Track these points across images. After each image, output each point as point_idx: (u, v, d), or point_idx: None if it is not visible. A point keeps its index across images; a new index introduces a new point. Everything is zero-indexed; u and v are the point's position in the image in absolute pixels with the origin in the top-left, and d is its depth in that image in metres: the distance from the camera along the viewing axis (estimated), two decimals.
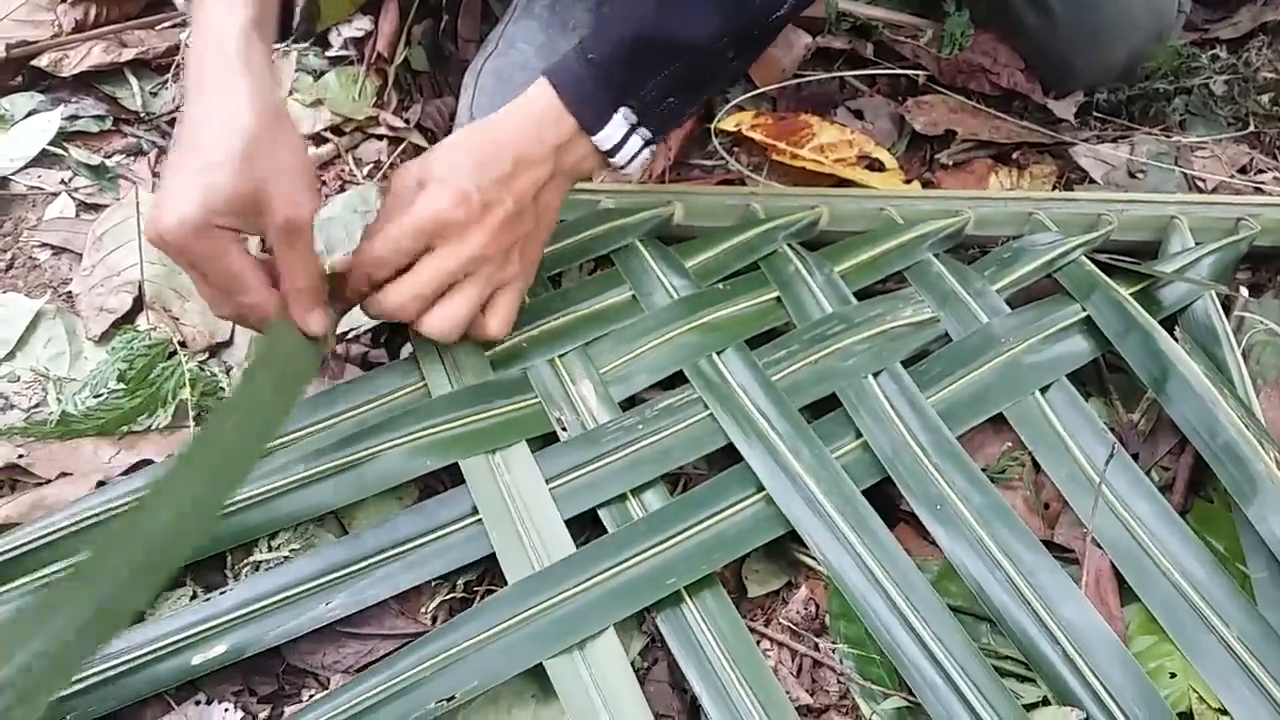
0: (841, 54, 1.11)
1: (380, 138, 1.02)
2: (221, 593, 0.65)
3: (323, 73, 1.05)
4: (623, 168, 0.74)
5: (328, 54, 1.07)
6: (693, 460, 0.73)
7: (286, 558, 0.67)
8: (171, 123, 1.01)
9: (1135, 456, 0.73)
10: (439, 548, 0.67)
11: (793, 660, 0.67)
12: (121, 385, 0.77)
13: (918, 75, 1.09)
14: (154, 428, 0.76)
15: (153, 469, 0.72)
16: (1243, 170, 1.02)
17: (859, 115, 1.06)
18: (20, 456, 0.74)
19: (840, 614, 0.67)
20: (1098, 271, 0.83)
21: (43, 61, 1.03)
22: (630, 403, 0.76)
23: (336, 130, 1.02)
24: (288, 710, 0.63)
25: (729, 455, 0.72)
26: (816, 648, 0.67)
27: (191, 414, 0.76)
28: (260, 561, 0.67)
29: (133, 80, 1.04)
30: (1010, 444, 0.75)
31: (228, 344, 0.82)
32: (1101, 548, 0.68)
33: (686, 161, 1.01)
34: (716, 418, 0.73)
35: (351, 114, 1.02)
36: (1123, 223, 0.88)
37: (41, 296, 0.86)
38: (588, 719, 0.60)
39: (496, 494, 0.69)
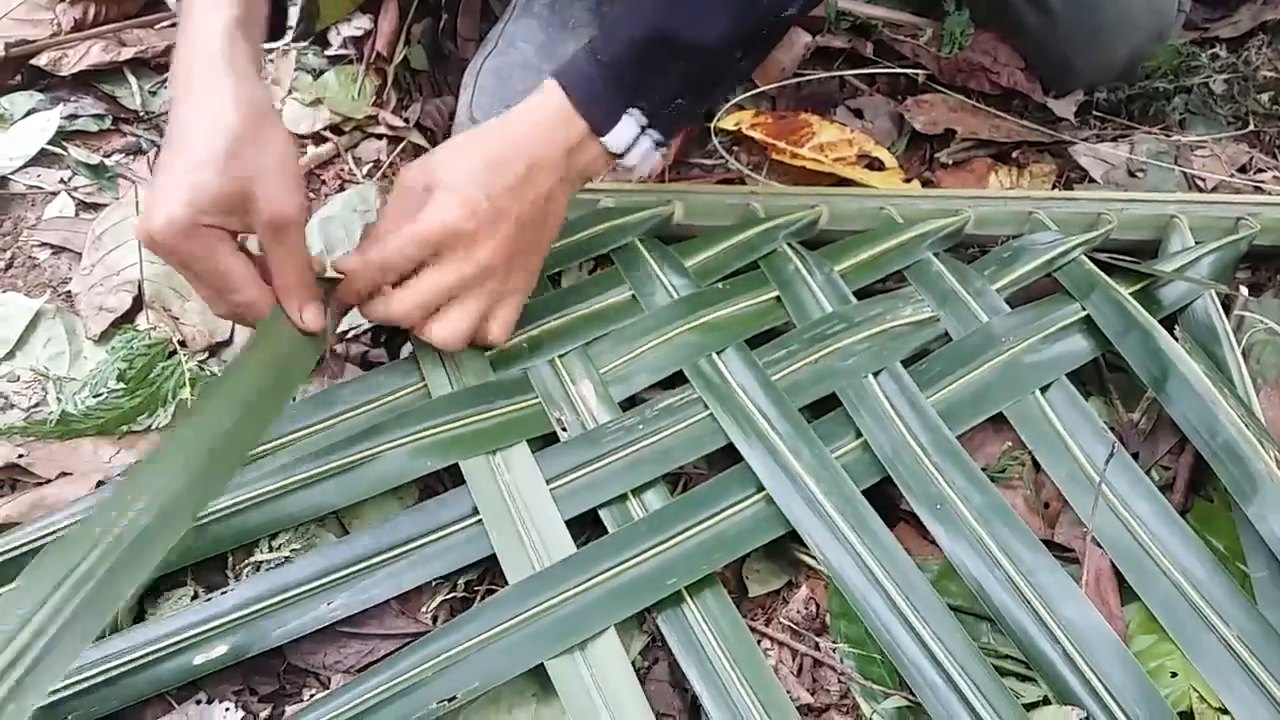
0: (841, 53, 1.11)
1: (380, 137, 1.02)
2: (223, 593, 0.65)
3: (322, 72, 1.06)
4: (632, 169, 0.73)
5: (327, 53, 1.07)
6: (693, 460, 0.73)
7: (287, 558, 0.67)
8: None
9: (1135, 456, 0.73)
10: (440, 548, 0.67)
11: (793, 660, 0.67)
12: (121, 385, 0.77)
13: (917, 74, 1.09)
14: (154, 427, 0.76)
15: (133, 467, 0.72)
16: (1242, 169, 1.02)
17: (859, 114, 1.06)
18: (20, 456, 0.74)
19: (840, 613, 0.67)
20: (1097, 271, 0.83)
21: (42, 60, 1.03)
22: (630, 403, 0.76)
23: (336, 129, 1.02)
24: (289, 710, 0.63)
25: (729, 455, 0.72)
26: (817, 647, 0.67)
27: None
28: (261, 561, 0.67)
29: (132, 79, 1.04)
30: (1010, 443, 0.75)
31: (227, 343, 0.82)
32: (1101, 547, 0.68)
33: (686, 160, 1.01)
34: (717, 418, 0.73)
35: (351, 113, 1.02)
36: (1122, 222, 0.88)
37: (41, 296, 0.86)
38: (589, 719, 0.60)
39: (497, 494, 0.69)
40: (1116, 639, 0.63)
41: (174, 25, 1.07)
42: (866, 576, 0.66)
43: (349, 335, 0.81)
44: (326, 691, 0.63)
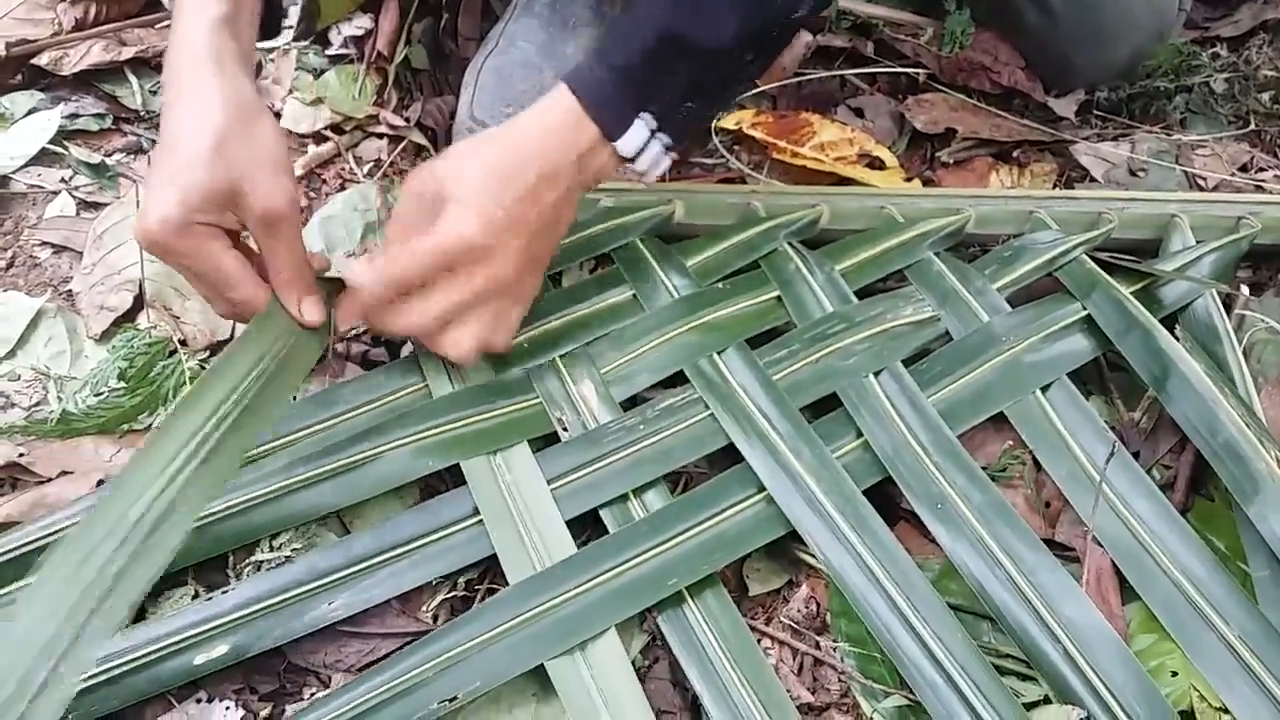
0: (842, 52, 1.11)
1: (380, 136, 1.02)
2: (224, 592, 0.65)
3: (323, 71, 1.05)
4: (643, 175, 0.72)
5: (328, 52, 1.07)
6: (694, 460, 0.73)
7: (288, 557, 0.67)
8: None
9: (1136, 455, 0.73)
10: (441, 548, 0.67)
11: (794, 659, 0.67)
12: (122, 384, 0.77)
13: (918, 73, 1.09)
14: (155, 426, 0.76)
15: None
16: (1243, 168, 1.02)
17: (859, 113, 1.06)
18: (21, 455, 0.74)
19: (841, 613, 0.67)
20: (1098, 270, 0.83)
21: (43, 60, 1.03)
22: (631, 402, 0.76)
23: (337, 129, 1.02)
24: (289, 709, 0.63)
25: (730, 455, 0.72)
26: (817, 646, 0.67)
27: None
28: (262, 561, 0.67)
29: (132, 78, 1.04)
30: (1011, 443, 0.75)
31: (228, 342, 0.82)
32: (1102, 546, 0.68)
33: (687, 160, 1.01)
34: (717, 417, 0.73)
35: (352, 112, 1.02)
36: (1123, 221, 0.88)
37: (42, 295, 0.86)
38: (589, 719, 0.60)
39: (497, 494, 0.69)
40: (1117, 638, 0.63)
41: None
42: (867, 576, 0.66)
43: (350, 334, 0.81)
44: (327, 691, 0.63)
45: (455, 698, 0.60)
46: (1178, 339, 0.77)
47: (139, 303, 0.84)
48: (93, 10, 1.07)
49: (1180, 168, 1.01)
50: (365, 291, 0.69)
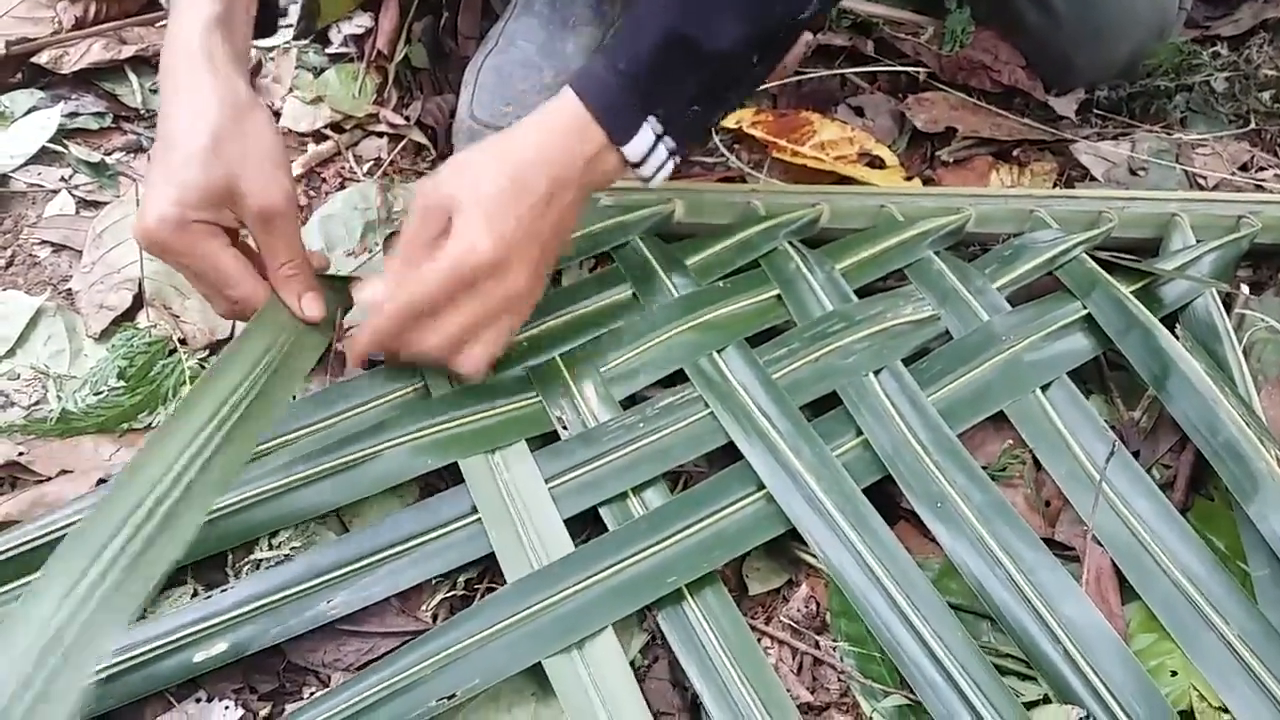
0: (842, 51, 1.11)
1: (380, 135, 1.02)
2: (222, 591, 0.65)
3: (323, 70, 1.05)
4: (648, 180, 0.71)
5: (328, 51, 1.07)
6: (693, 458, 0.73)
7: (287, 556, 0.67)
8: None
9: (1136, 454, 0.73)
10: (439, 546, 0.67)
11: (793, 658, 0.67)
12: (122, 383, 0.77)
13: (918, 72, 1.09)
14: (154, 425, 0.76)
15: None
16: (1244, 167, 1.02)
17: (860, 112, 1.06)
18: (20, 454, 0.74)
19: (841, 612, 0.67)
20: (1098, 269, 0.83)
21: (43, 58, 1.03)
22: (631, 401, 0.76)
23: (336, 127, 1.02)
24: (289, 708, 0.63)
25: (729, 453, 0.72)
26: (817, 645, 0.67)
27: None
28: (261, 559, 0.67)
29: (133, 77, 1.04)
30: (1011, 442, 0.75)
31: (228, 341, 0.82)
32: (1102, 545, 0.68)
33: (687, 159, 1.01)
34: (717, 416, 0.73)
35: (352, 111, 1.02)
36: (1124, 220, 0.88)
37: (42, 294, 0.85)
38: (586, 718, 0.60)
39: (496, 493, 0.69)
40: (1117, 638, 0.63)
41: None
42: (867, 575, 0.66)
43: (349, 332, 0.81)
44: (326, 689, 0.63)
45: (454, 695, 0.60)
46: (1178, 338, 0.77)
47: (138, 301, 0.84)
48: (93, 8, 1.07)
49: (1180, 167, 1.01)
50: (380, 321, 0.68)
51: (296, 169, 0.96)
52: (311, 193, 0.96)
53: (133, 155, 0.99)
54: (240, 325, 0.82)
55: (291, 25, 1.04)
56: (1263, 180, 1.00)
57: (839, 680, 0.65)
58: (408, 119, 1.01)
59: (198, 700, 0.62)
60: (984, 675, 0.62)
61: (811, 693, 0.65)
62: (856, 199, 0.90)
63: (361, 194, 0.92)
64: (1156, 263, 0.84)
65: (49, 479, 0.73)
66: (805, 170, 0.98)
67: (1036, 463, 0.74)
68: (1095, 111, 1.08)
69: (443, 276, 0.66)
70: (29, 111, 0.99)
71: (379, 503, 0.71)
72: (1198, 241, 0.86)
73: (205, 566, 0.67)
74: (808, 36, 1.09)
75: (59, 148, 0.97)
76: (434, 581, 0.68)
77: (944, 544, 0.68)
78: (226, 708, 0.62)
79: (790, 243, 0.86)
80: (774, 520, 0.69)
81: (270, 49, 1.07)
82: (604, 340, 0.79)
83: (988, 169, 1.02)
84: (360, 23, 1.07)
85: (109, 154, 0.98)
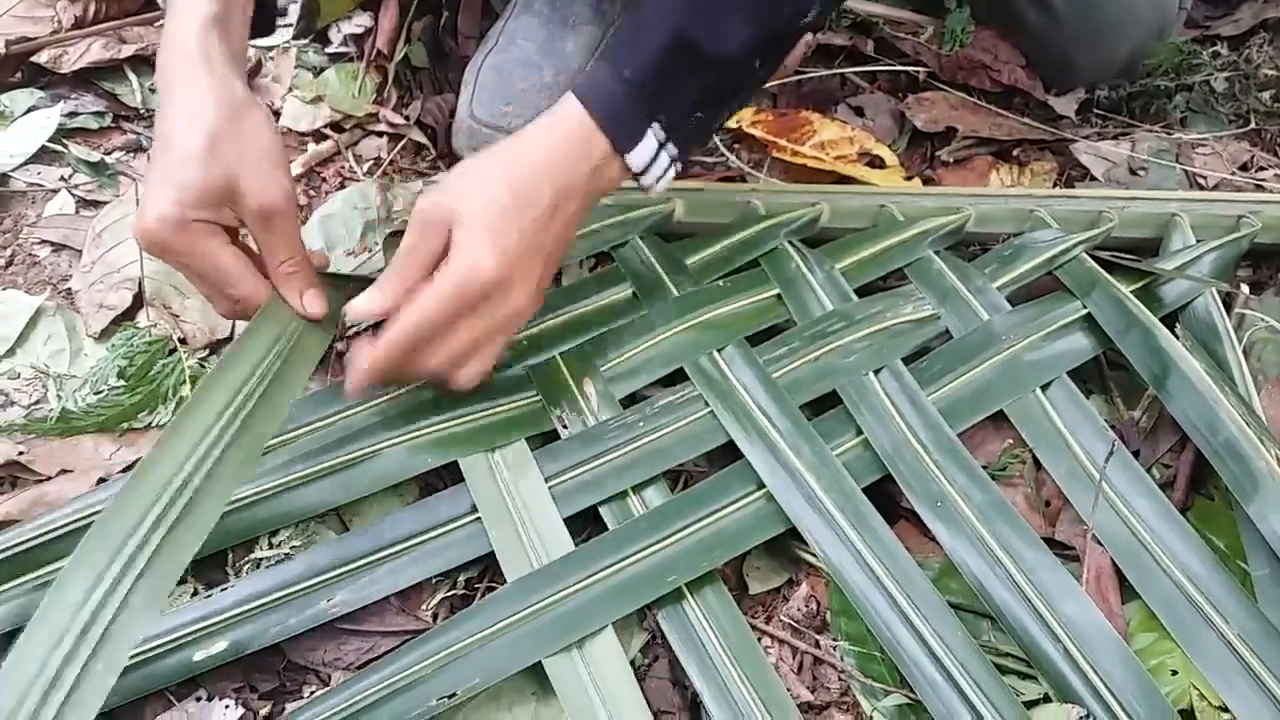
0: (842, 50, 1.11)
1: (380, 134, 1.02)
2: (222, 589, 0.65)
3: (323, 69, 1.05)
4: (649, 189, 0.70)
5: (328, 50, 1.07)
6: (693, 457, 0.73)
7: (287, 555, 0.67)
8: None
9: (1136, 454, 0.73)
10: (439, 545, 0.67)
11: (793, 657, 0.67)
12: (122, 382, 0.77)
13: (918, 72, 1.09)
14: (154, 425, 0.76)
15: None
16: (1244, 167, 1.02)
17: (860, 112, 1.06)
18: (20, 453, 0.74)
19: (841, 611, 0.67)
20: (1098, 269, 0.83)
21: (42, 58, 1.03)
22: (631, 400, 0.76)
23: (336, 127, 1.02)
24: (289, 707, 0.63)
25: (729, 452, 0.72)
26: (817, 645, 0.67)
27: None
28: (261, 558, 0.67)
29: (132, 76, 1.04)
30: (1011, 441, 0.75)
31: (228, 340, 0.82)
32: (1102, 545, 0.68)
33: (686, 167, 1.01)
34: (717, 415, 0.73)
35: (351, 110, 1.02)
36: (1124, 220, 0.88)
37: (41, 293, 0.85)
38: (586, 717, 0.60)
39: (495, 492, 0.69)
40: (1117, 637, 0.63)
41: None
42: (867, 574, 0.66)
43: (350, 331, 0.81)
44: (327, 688, 0.63)
45: (454, 694, 0.60)
46: (1178, 338, 0.77)
47: (138, 301, 0.84)
48: (92, 8, 1.07)
49: (1180, 166, 1.01)
50: (379, 354, 0.66)
51: (296, 168, 0.96)
52: (311, 192, 0.96)
53: (132, 154, 0.99)
54: (241, 326, 0.82)
55: (291, 25, 1.04)
56: (1263, 180, 1.00)
57: (839, 679, 0.65)
58: (407, 118, 1.01)
59: (198, 699, 0.62)
60: (984, 674, 0.62)
61: (812, 692, 0.65)
62: (856, 199, 0.90)
63: (361, 193, 0.92)
64: (1156, 262, 0.84)
65: (49, 478, 0.73)
66: (805, 170, 0.98)
67: (1036, 462, 0.74)
68: (1095, 111, 1.08)
69: (445, 301, 0.65)
70: (29, 111, 0.99)
71: (379, 501, 0.71)
72: (1198, 241, 0.86)
73: (205, 565, 0.67)
74: (808, 37, 1.09)
75: (59, 147, 0.97)
76: (434, 580, 0.68)
77: (944, 543, 0.68)
78: (227, 706, 0.62)
79: (790, 242, 0.86)
80: (774, 519, 0.69)
81: (270, 48, 1.07)
82: (604, 339, 0.79)
83: (988, 169, 1.02)
84: (360, 22, 1.07)
85: (109, 153, 0.98)
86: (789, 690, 0.63)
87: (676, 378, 0.77)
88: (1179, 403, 0.74)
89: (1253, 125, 1.06)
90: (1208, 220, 0.88)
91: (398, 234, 0.87)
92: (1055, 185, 1.00)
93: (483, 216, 0.65)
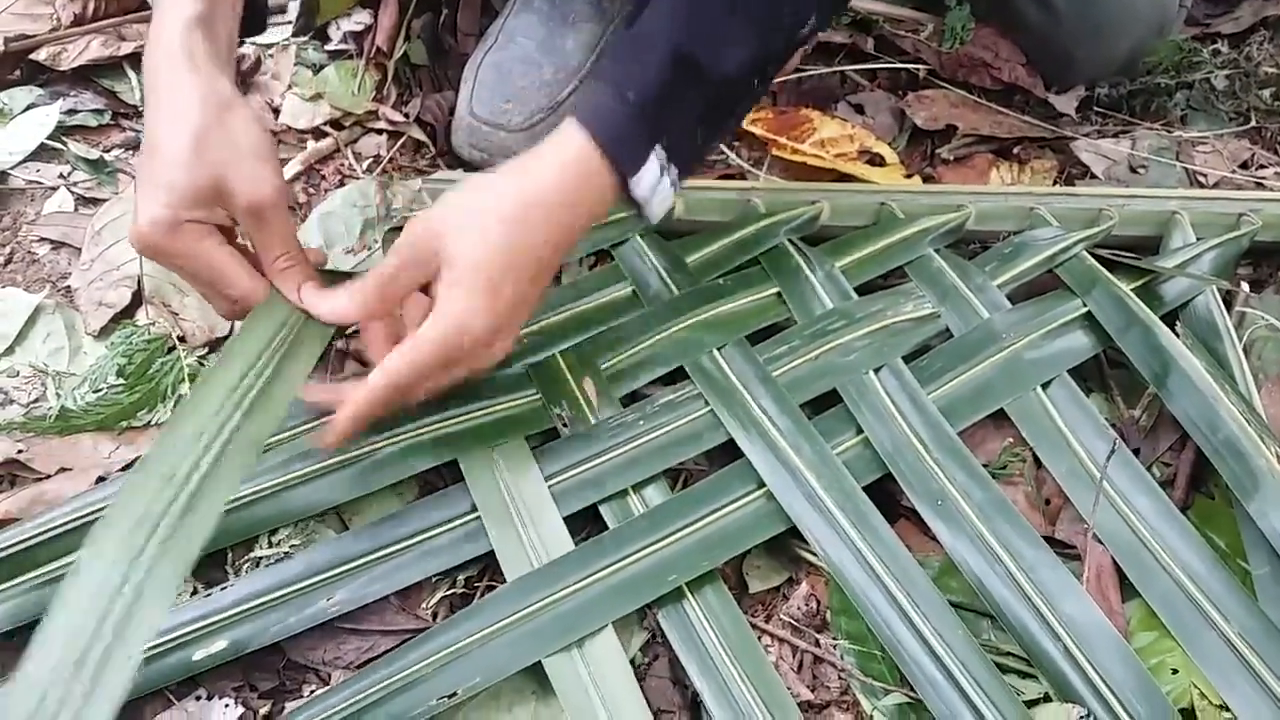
0: (842, 48, 1.11)
1: (380, 132, 1.02)
2: (222, 588, 0.65)
3: (322, 67, 1.05)
4: (648, 214, 0.69)
5: (327, 48, 1.07)
6: (693, 456, 0.73)
7: (287, 554, 0.67)
8: None
9: (1136, 452, 0.73)
10: (439, 544, 0.67)
11: (794, 656, 0.67)
12: (121, 380, 0.77)
13: (918, 70, 1.09)
14: (153, 423, 0.76)
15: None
16: (1244, 165, 1.02)
17: (860, 110, 1.06)
18: (20, 452, 0.73)
19: (841, 610, 0.67)
20: (1099, 267, 0.83)
21: (41, 55, 1.02)
22: (631, 399, 0.76)
23: (336, 124, 1.01)
24: (288, 706, 0.63)
25: (730, 451, 0.72)
26: (817, 644, 0.67)
27: None
28: (261, 557, 0.67)
29: (131, 74, 1.04)
30: (1011, 439, 0.75)
31: (227, 338, 0.82)
32: (1102, 543, 0.68)
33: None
34: (717, 414, 0.73)
35: (351, 108, 1.01)
36: (1124, 218, 0.88)
37: (40, 291, 0.85)
38: (586, 717, 0.60)
39: (495, 491, 0.69)
40: (1117, 636, 0.63)
41: None
42: (867, 573, 0.66)
43: (349, 331, 0.80)
44: (326, 688, 0.63)
45: (454, 694, 0.60)
46: (1178, 336, 0.77)
47: (137, 299, 0.84)
48: (91, 5, 1.07)
49: (1181, 164, 1.01)
50: (362, 407, 0.65)
51: (296, 166, 0.96)
52: (311, 190, 0.96)
53: (131, 152, 0.98)
54: (240, 325, 0.82)
55: (291, 22, 1.04)
56: (1263, 178, 1.00)
57: (839, 678, 0.65)
58: (407, 116, 1.01)
59: (198, 698, 0.62)
60: (984, 673, 0.62)
61: (812, 691, 0.65)
62: (856, 196, 0.90)
63: (361, 191, 0.92)
64: (1157, 260, 0.84)
65: (48, 477, 0.73)
66: (805, 168, 0.98)
67: (1037, 460, 0.74)
68: (1095, 109, 1.08)
69: (431, 360, 0.64)
70: (27, 108, 0.99)
71: (379, 500, 0.70)
72: (1198, 239, 0.86)
73: (205, 564, 0.67)
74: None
75: (58, 145, 0.97)
76: (434, 579, 0.68)
77: (944, 542, 0.68)
78: (226, 706, 0.62)
79: (790, 240, 0.86)
80: (774, 518, 0.69)
81: (269, 46, 1.07)
82: (604, 338, 0.78)
83: (988, 166, 1.02)
84: (360, 19, 1.07)
85: (108, 151, 0.97)
86: (789, 689, 0.63)
87: (676, 376, 0.77)
88: (1179, 401, 0.74)
89: (1253, 123, 1.06)
90: (1208, 218, 0.88)
91: (397, 230, 0.87)
92: (1055, 183, 1.00)
93: (477, 267, 0.64)
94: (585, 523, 0.70)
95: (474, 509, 0.68)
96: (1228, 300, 0.82)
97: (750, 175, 0.98)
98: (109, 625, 0.50)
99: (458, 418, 0.72)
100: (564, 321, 0.79)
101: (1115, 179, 0.99)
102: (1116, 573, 0.68)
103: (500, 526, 0.67)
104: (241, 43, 0.78)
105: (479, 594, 0.68)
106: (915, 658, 0.63)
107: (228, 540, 0.67)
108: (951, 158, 1.03)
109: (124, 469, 0.73)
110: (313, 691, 0.64)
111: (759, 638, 0.66)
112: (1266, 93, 1.07)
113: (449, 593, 0.68)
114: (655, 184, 0.67)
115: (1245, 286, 0.84)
